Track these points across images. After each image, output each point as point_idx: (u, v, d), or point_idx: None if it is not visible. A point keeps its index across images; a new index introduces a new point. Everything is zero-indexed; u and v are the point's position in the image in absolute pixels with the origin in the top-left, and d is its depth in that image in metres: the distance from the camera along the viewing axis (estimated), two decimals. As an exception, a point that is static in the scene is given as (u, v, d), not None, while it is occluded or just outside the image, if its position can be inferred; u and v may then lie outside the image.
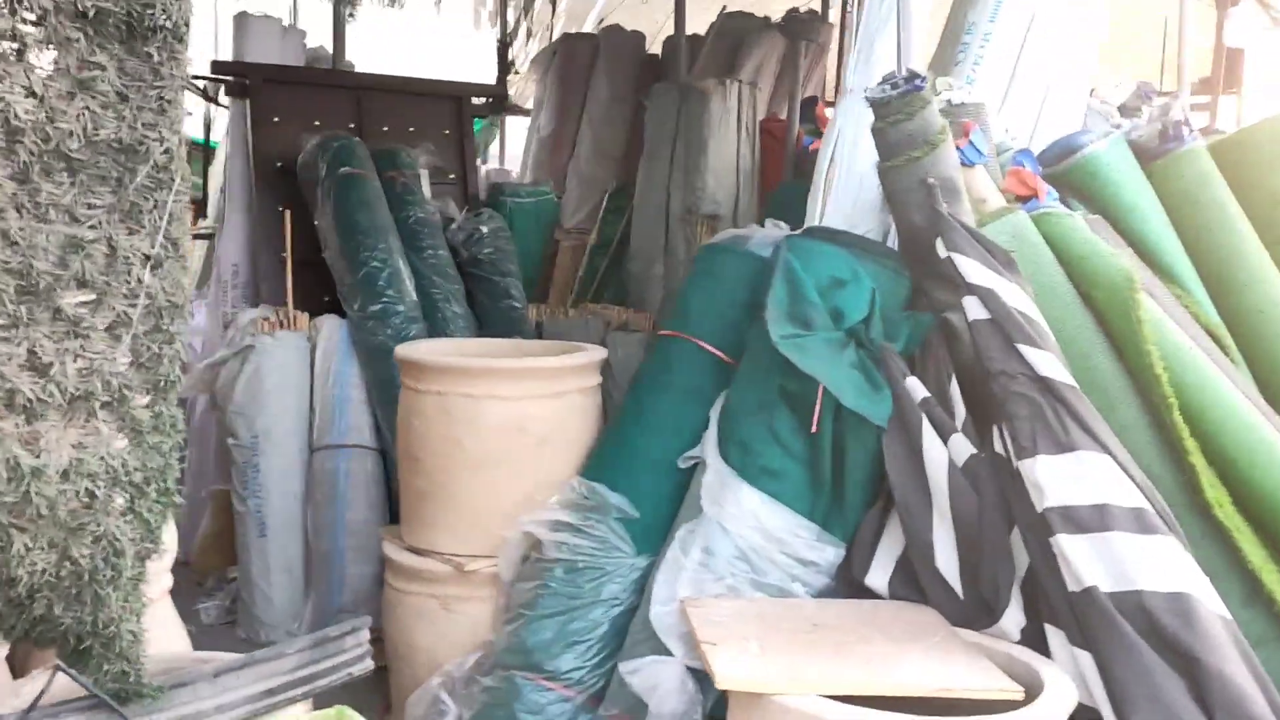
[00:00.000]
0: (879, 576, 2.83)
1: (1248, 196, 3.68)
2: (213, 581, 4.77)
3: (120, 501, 1.60)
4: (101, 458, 1.57)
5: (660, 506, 3.01)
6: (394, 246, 4.72)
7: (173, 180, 1.58)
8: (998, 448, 2.69)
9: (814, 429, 2.81)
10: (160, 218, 1.58)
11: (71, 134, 1.50)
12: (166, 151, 1.58)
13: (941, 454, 2.73)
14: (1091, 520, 2.48)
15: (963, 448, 2.74)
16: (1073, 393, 2.63)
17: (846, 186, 3.26)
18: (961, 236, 2.80)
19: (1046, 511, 2.52)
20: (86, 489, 1.55)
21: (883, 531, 2.88)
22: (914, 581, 2.80)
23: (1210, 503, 2.75)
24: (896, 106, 2.88)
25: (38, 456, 1.51)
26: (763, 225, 3.34)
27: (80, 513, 1.57)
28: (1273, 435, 2.87)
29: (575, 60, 7.03)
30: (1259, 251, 3.59)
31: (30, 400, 1.49)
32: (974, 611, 2.68)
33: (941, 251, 2.83)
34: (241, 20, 5.27)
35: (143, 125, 1.56)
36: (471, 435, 3.11)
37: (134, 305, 1.58)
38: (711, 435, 2.96)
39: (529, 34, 9.46)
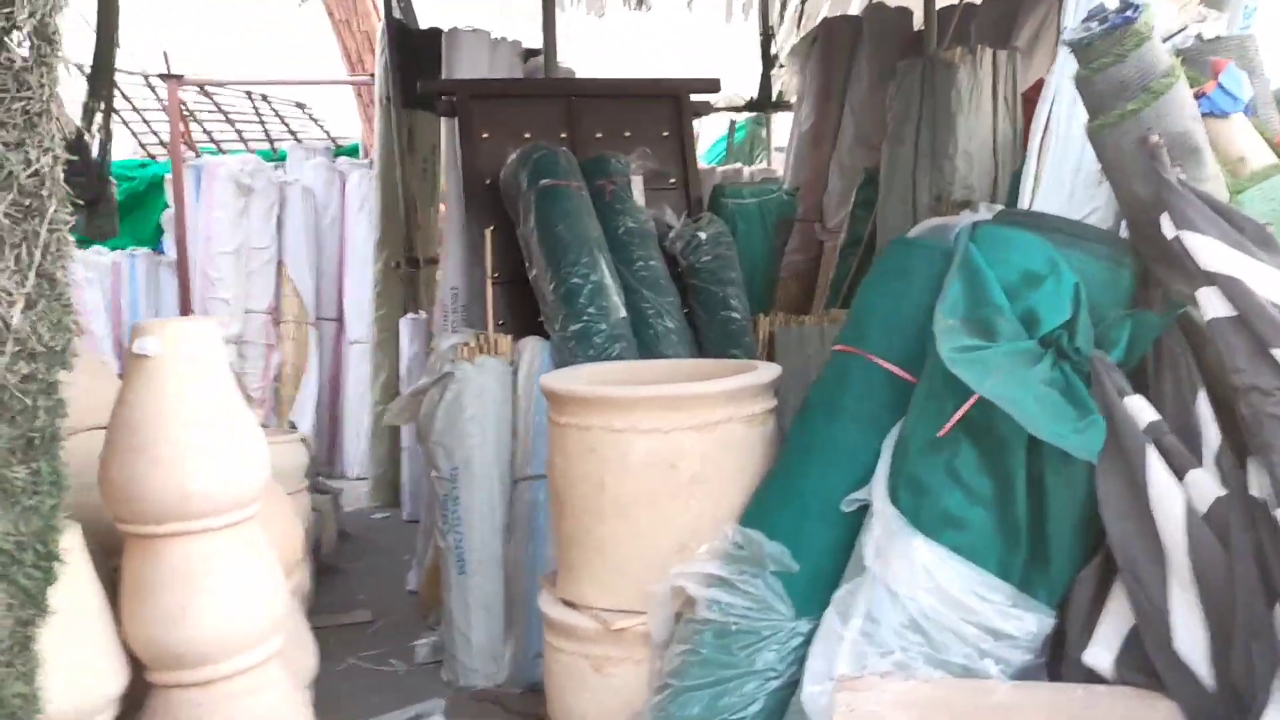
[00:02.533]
0: (1102, 654, 2.19)
1: None
2: (434, 616, 4.65)
3: None
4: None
5: (826, 558, 2.51)
6: (600, 260, 4.43)
7: (44, 209, 1.31)
8: (1254, 489, 2.00)
9: (943, 432, 2.21)
10: (31, 251, 1.32)
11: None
12: (35, 175, 1.32)
13: (1176, 497, 2.07)
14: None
15: (1206, 488, 2.06)
16: (1355, 413, 1.91)
17: (1065, 157, 2.64)
18: (1195, 208, 2.13)
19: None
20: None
21: (1108, 595, 2.24)
22: (1148, 663, 2.14)
23: None
24: (1101, 48, 2.24)
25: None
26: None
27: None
28: None
29: (836, 45, 6.59)
30: None
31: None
32: (1226, 707, 2.00)
33: (1168, 230, 2.16)
34: (451, 37, 5.17)
35: (2, 145, 1.31)
36: (615, 473, 2.73)
37: (0, 352, 1.33)
38: (881, 473, 2.43)
39: (799, 20, 9.01)
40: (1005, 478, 2.24)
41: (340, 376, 9.43)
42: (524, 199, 4.53)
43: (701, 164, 8.06)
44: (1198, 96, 2.41)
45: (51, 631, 2.24)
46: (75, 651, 2.28)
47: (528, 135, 4.93)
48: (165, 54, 9.31)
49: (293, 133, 10.64)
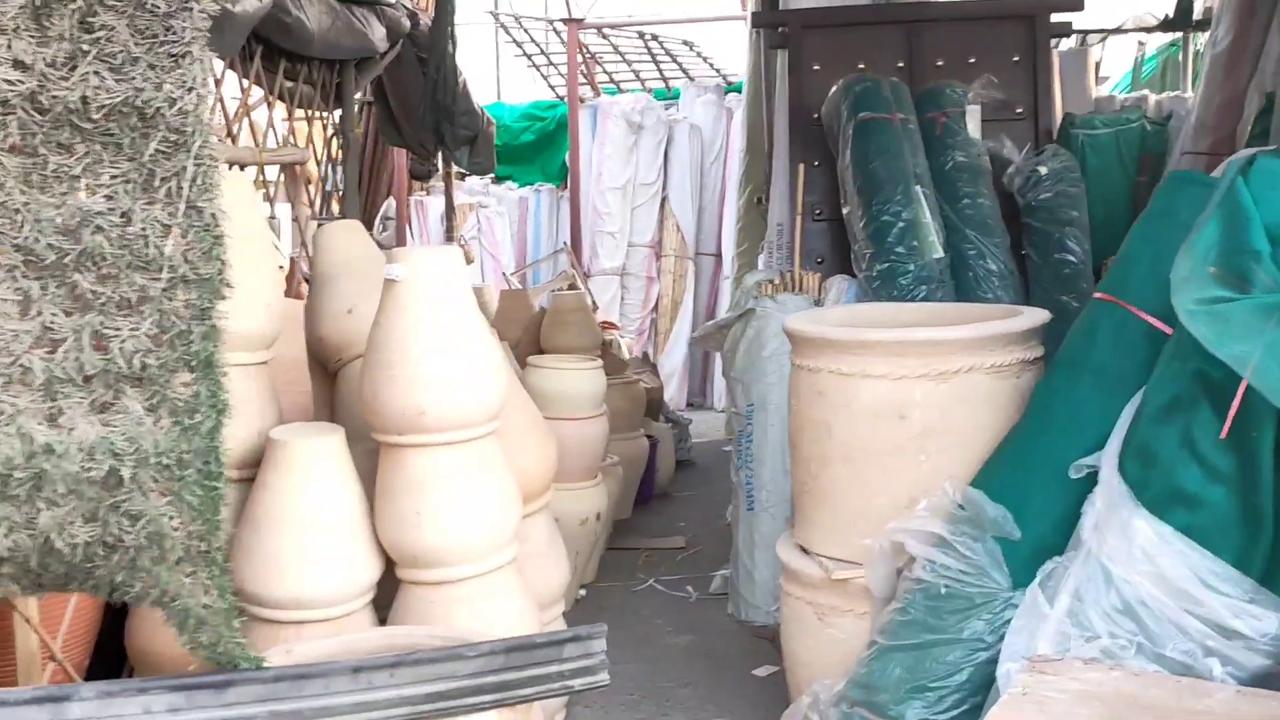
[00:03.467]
0: (1362, 671, 1.83)
1: None
2: (736, 549, 4.72)
3: (152, 481, 1.53)
4: (129, 437, 1.51)
5: (1052, 529, 2.26)
6: (916, 196, 4.21)
7: (189, 144, 1.46)
8: None
9: (1224, 434, 1.89)
10: (180, 185, 1.47)
11: (77, 101, 1.45)
12: (181, 113, 1.47)
13: None
14: None
15: None
16: None
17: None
18: None
19: None
20: (112, 468, 1.51)
21: (1379, 602, 1.86)
22: None
23: None
24: None
25: (59, 433, 1.50)
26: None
27: (116, 490, 1.53)
28: None
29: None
30: None
31: (48, 378, 1.49)
32: None
33: None
34: (791, -33, 5.08)
35: (151, 86, 1.46)
36: (843, 420, 2.61)
37: (155, 279, 1.50)
38: (1116, 439, 2.15)
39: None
40: (1251, 454, 1.90)
41: (715, 310, 9.68)
42: (843, 133, 4.39)
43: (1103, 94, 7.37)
44: None
45: (314, 529, 2.54)
46: (332, 544, 2.57)
47: (862, 66, 4.75)
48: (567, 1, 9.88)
49: (685, 71, 10.94)
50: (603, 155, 9.96)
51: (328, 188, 6.39)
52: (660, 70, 11.17)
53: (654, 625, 4.04)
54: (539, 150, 11.48)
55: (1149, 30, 8.16)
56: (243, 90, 4.38)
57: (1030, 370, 2.62)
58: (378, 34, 4.87)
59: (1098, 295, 2.41)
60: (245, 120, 4.52)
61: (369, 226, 9.78)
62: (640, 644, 3.86)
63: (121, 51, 1.48)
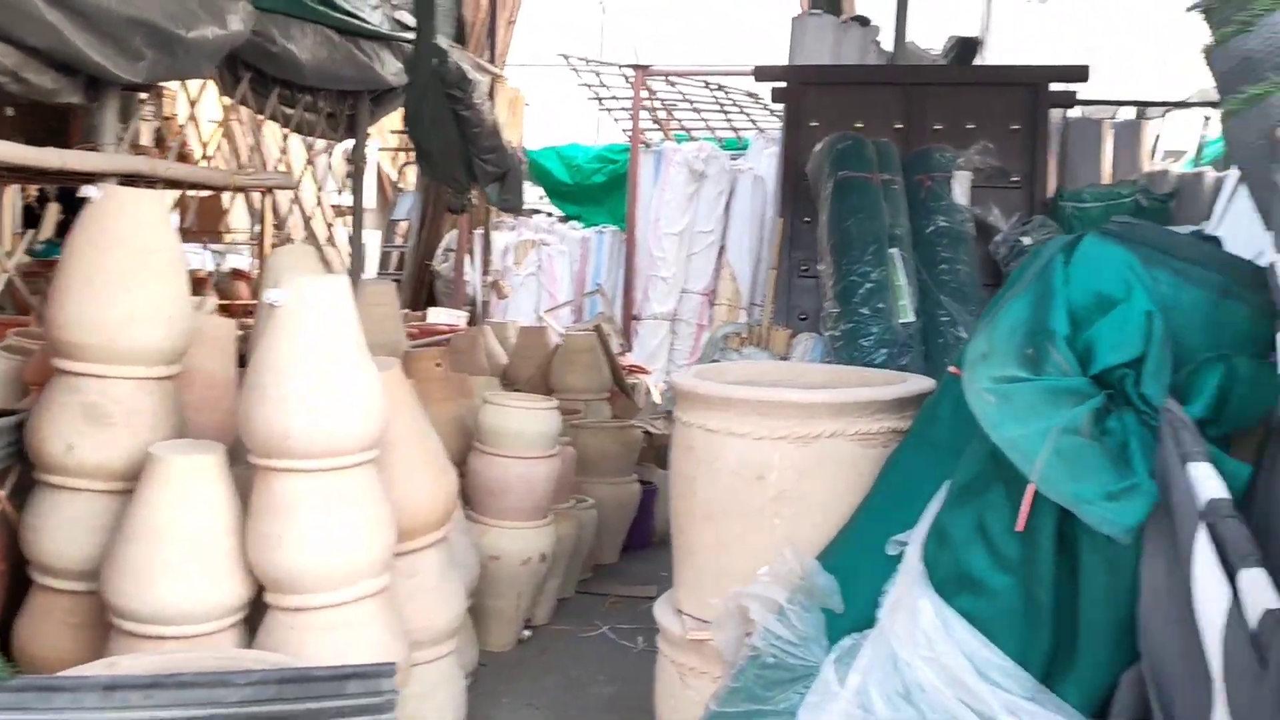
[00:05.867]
0: (1136, 784, 1.73)
1: None
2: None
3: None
4: None
5: (874, 604, 2.19)
6: (889, 258, 4.17)
7: None
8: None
9: (1020, 525, 1.81)
10: None
11: None
12: None
13: (1220, 598, 1.57)
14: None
15: (1261, 594, 1.54)
16: None
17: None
18: (1302, 226, 1.59)
19: (1301, 745, 1.31)
20: None
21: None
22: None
23: None
24: (1225, 11, 1.73)
25: None
26: None
27: None
28: None
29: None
30: None
31: None
32: None
33: (1267, 255, 1.64)
34: (796, 22, 5.08)
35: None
36: (706, 477, 2.58)
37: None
38: (927, 516, 2.08)
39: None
40: (1033, 543, 1.83)
41: (765, 362, 9.61)
42: (823, 190, 4.38)
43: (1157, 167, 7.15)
44: None
45: (181, 545, 2.60)
46: (196, 560, 2.62)
47: (860, 125, 4.73)
48: (635, 48, 10.00)
49: (753, 121, 10.95)
50: (662, 200, 10.00)
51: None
52: (730, 121, 11.20)
53: (588, 672, 4.00)
54: (609, 192, 11.60)
55: (1214, 105, 7.90)
56: (224, 112, 4.54)
57: (894, 441, 2.55)
58: (390, 68, 5.00)
59: (950, 368, 2.34)
60: (227, 143, 4.69)
61: (429, 257, 10.00)
62: (566, 690, 3.83)
63: None
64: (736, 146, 10.88)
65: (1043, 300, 1.89)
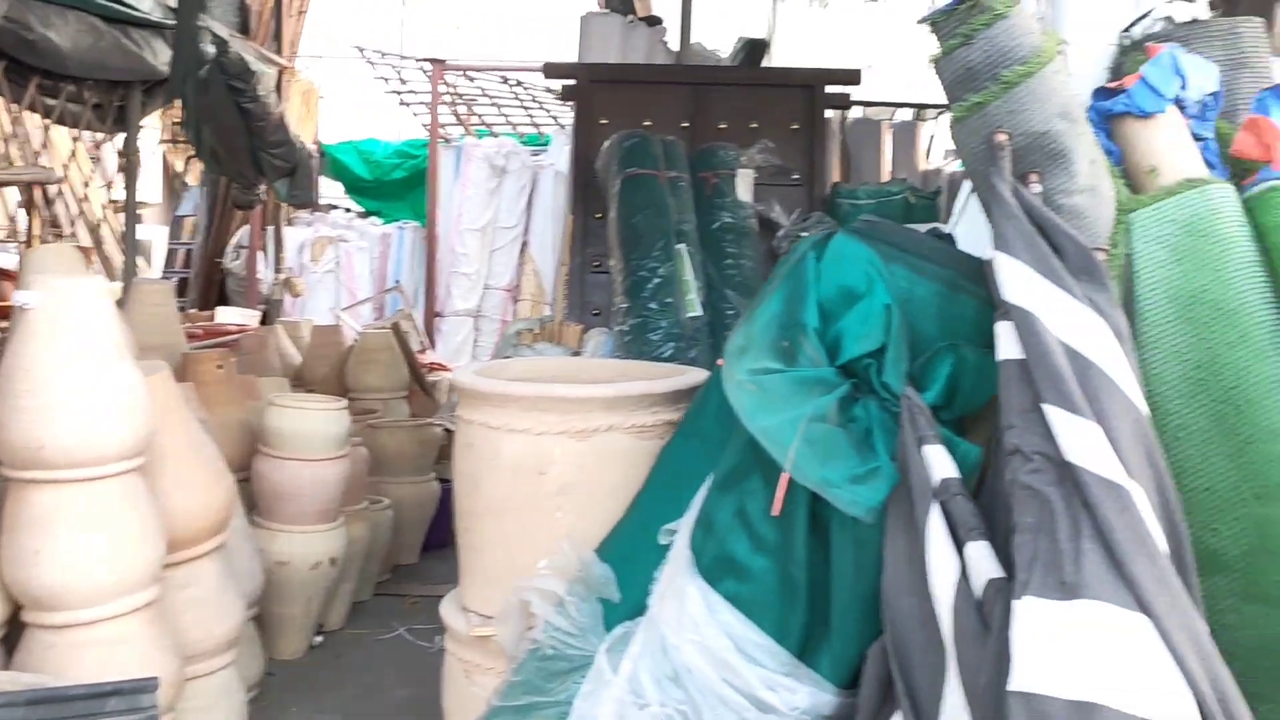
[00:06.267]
0: (884, 748, 1.84)
1: None
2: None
3: None
4: None
5: (648, 593, 2.26)
6: (677, 253, 4.26)
7: None
8: (994, 572, 1.61)
9: (776, 510, 1.90)
10: None
11: None
12: None
13: (950, 570, 1.69)
14: (1066, 732, 1.35)
15: (985, 565, 1.67)
16: (1114, 496, 1.48)
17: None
18: (1016, 227, 1.72)
19: (1011, 697, 1.43)
20: None
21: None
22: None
23: None
24: (948, 25, 1.85)
25: None
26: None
27: None
28: None
29: None
30: None
31: None
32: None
33: (988, 250, 1.77)
34: (584, 20, 5.13)
35: None
36: (488, 474, 2.59)
37: None
38: (695, 505, 2.15)
39: None
40: (788, 526, 1.92)
41: (571, 356, 9.66)
42: (611, 187, 4.43)
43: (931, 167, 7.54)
44: (1117, 92, 1.96)
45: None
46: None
47: (648, 123, 4.81)
48: (432, 42, 9.89)
49: (554, 117, 10.99)
50: (464, 196, 9.93)
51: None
52: (531, 117, 11.21)
53: (383, 676, 3.95)
54: (410, 188, 11.42)
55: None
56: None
57: (669, 433, 2.62)
58: (163, 57, 4.80)
59: (720, 360, 2.43)
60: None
61: (220, 254, 9.62)
62: (360, 695, 3.77)
63: None
64: (538, 142, 10.89)
65: (795, 295, 1.99)
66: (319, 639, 4.19)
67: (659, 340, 4.04)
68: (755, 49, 6.53)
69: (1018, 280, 1.67)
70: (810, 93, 4.84)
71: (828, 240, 2.06)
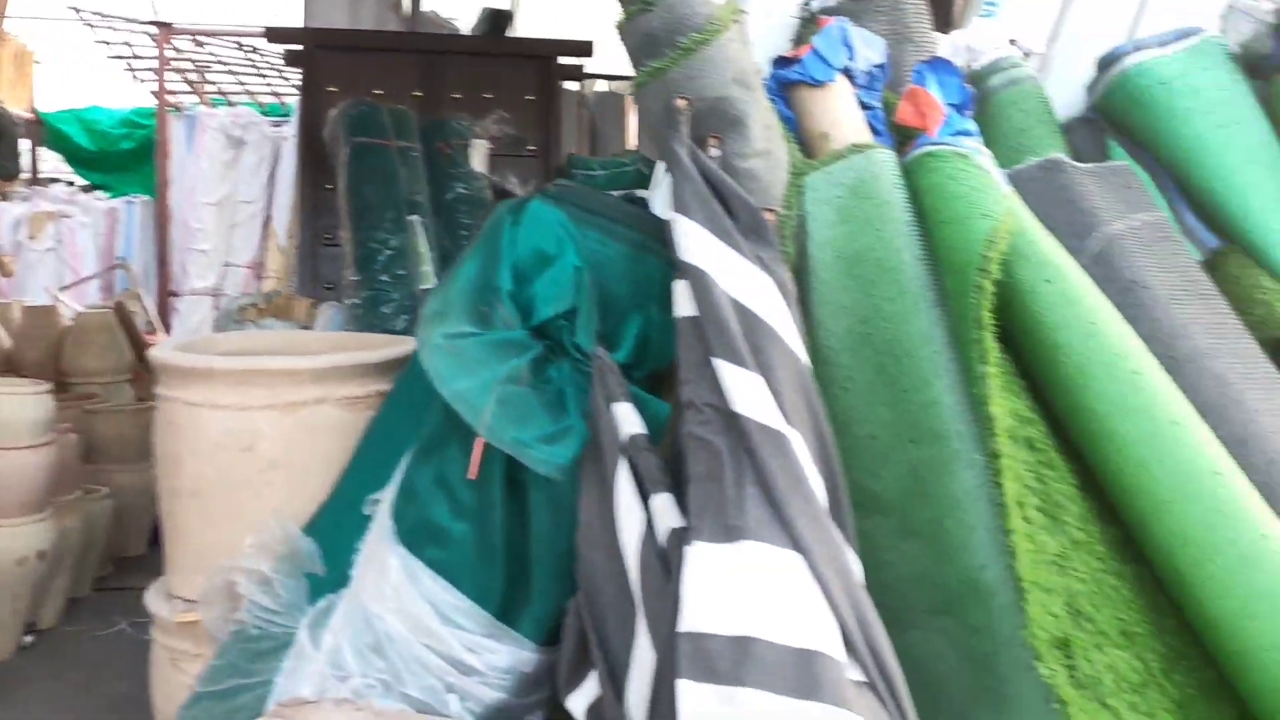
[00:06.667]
0: (580, 700, 1.88)
1: None
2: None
3: None
4: None
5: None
6: (410, 226, 4.20)
7: None
8: (674, 522, 1.67)
9: (472, 474, 1.91)
10: None
11: None
12: None
13: (637, 523, 1.74)
14: (726, 661, 1.43)
15: (669, 515, 1.72)
16: (774, 442, 1.56)
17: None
18: (692, 188, 1.78)
19: (679, 638, 1.49)
20: None
21: (602, 632, 1.91)
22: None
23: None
24: (629, -8, 1.89)
25: None
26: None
27: None
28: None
29: None
30: None
31: None
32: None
33: (666, 211, 1.83)
34: (308, -15, 4.96)
35: None
36: (192, 452, 2.49)
37: None
38: (399, 473, 2.13)
39: None
40: (486, 489, 1.93)
41: (319, 334, 9.35)
42: (340, 157, 4.32)
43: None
44: (792, 61, 2.05)
45: None
46: None
47: (378, 91, 4.71)
48: (155, 3, 9.33)
49: (296, 87, 10.57)
50: (198, 169, 9.42)
51: None
52: (271, 86, 10.75)
53: (98, 673, 3.74)
54: (140, 160, 10.74)
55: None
56: None
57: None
58: None
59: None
60: None
61: (-80, 231, 8.79)
62: (72, 693, 3.57)
63: None
64: (280, 113, 10.45)
65: (491, 259, 1.99)
66: (29, 639, 3.93)
67: (391, 313, 3.99)
68: (498, 20, 6.48)
69: (693, 240, 1.73)
70: (544, 64, 4.86)
71: (524, 205, 2.08)
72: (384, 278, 4.04)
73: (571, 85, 5.65)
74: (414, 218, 4.24)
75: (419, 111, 4.68)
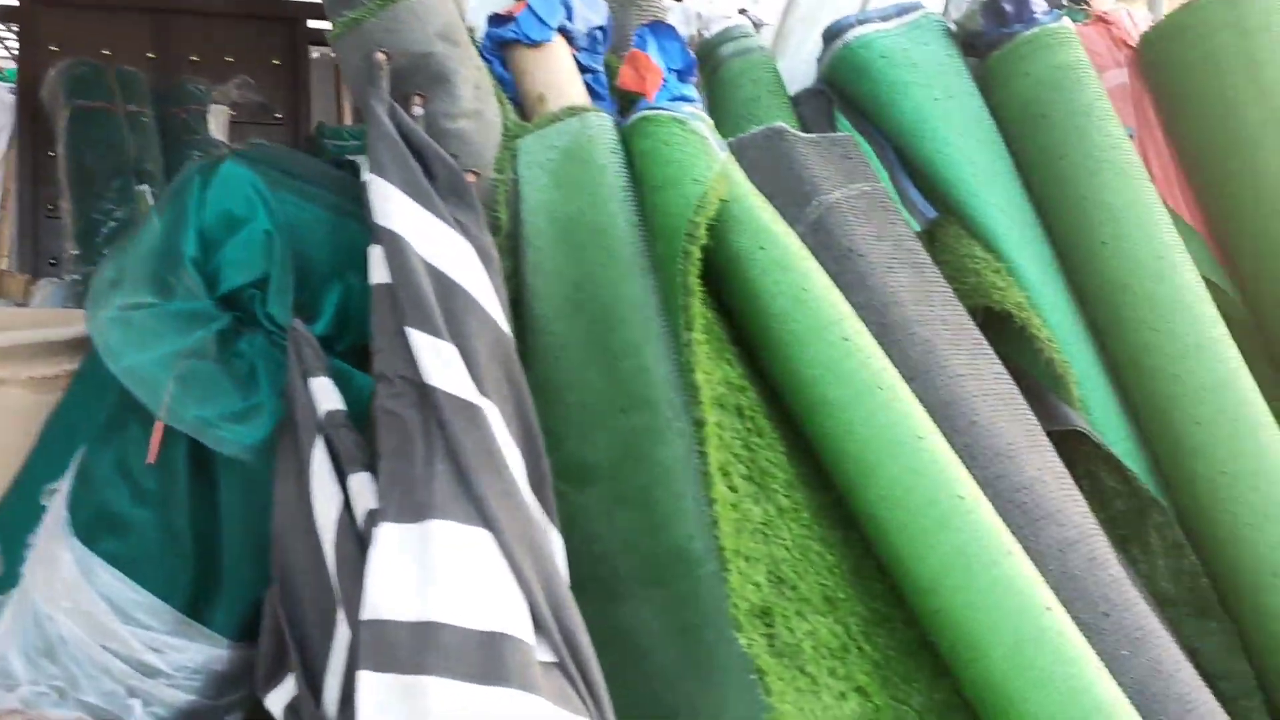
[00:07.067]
0: (278, 698, 1.74)
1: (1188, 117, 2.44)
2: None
3: None
4: None
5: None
6: (139, 196, 3.89)
7: None
8: (371, 502, 1.56)
9: (151, 459, 1.74)
10: None
11: None
12: None
13: (334, 504, 1.62)
14: (406, 649, 1.34)
15: (367, 495, 1.61)
16: (467, 415, 1.48)
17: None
18: (389, 147, 1.67)
19: (362, 627, 1.39)
20: None
21: (305, 623, 1.78)
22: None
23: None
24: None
25: None
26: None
27: None
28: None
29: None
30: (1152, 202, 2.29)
31: None
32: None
33: (365, 173, 1.71)
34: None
35: None
36: None
37: None
38: (77, 459, 1.94)
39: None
40: (169, 473, 1.77)
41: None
42: (59, 122, 3.97)
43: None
44: (507, 19, 1.97)
45: None
46: None
47: (107, 52, 4.35)
48: None
49: (11, 48, 9.77)
50: None
51: None
52: (10, 50, 9.91)
53: None
54: None
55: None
56: None
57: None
58: None
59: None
60: None
61: None
62: None
63: None
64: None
65: (177, 222, 1.83)
66: None
67: (113, 290, 3.69)
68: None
69: (388, 203, 1.62)
70: (291, 25, 4.61)
71: (215, 166, 1.91)
72: (107, 252, 3.73)
73: (327, 51, 5.40)
74: (143, 187, 3.95)
75: (153, 74, 4.35)
